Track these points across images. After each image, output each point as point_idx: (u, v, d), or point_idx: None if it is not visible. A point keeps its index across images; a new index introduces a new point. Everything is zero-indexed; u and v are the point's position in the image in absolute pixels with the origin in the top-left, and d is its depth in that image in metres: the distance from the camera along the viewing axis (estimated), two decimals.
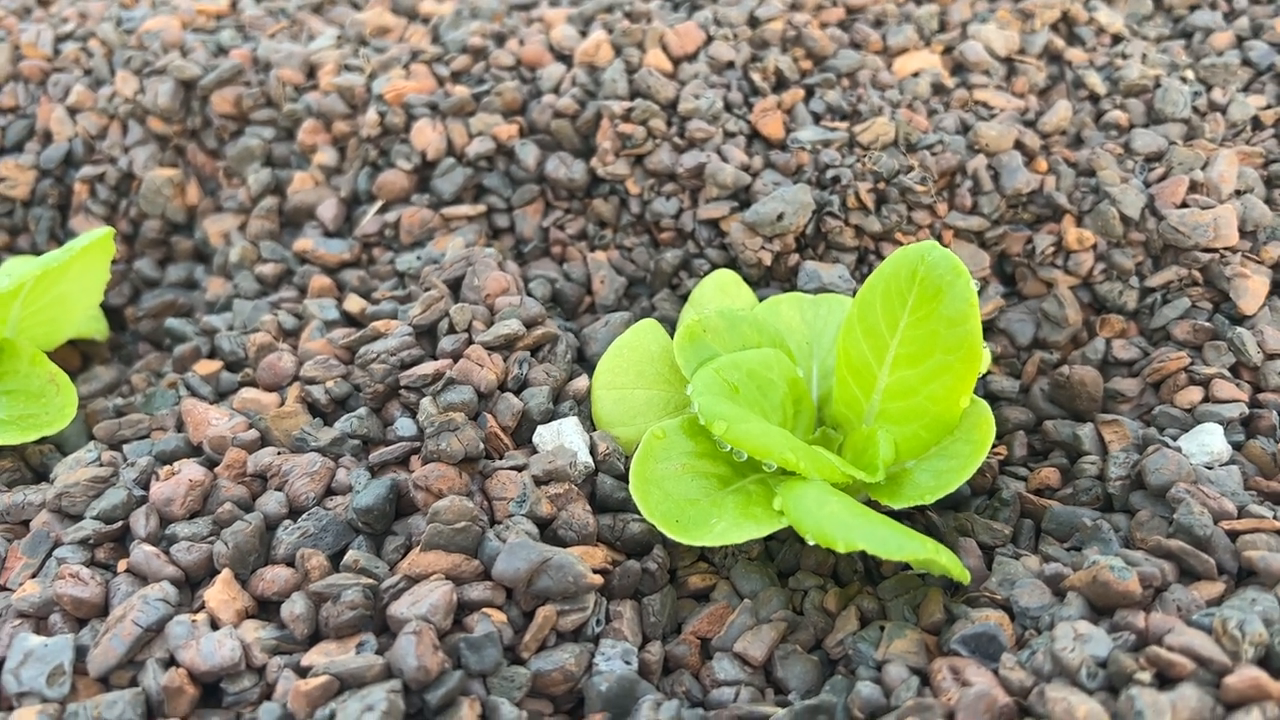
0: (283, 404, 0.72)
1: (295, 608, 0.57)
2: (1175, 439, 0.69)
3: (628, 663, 0.57)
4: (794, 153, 0.83)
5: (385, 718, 0.49)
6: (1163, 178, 0.83)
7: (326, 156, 0.90)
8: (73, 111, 0.95)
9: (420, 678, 0.52)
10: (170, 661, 0.56)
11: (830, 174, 0.82)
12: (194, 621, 0.57)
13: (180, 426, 0.72)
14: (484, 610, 0.57)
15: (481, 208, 0.86)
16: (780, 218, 0.79)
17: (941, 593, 0.62)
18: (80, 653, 0.57)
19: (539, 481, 0.64)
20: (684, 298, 0.83)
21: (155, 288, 0.92)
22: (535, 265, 0.85)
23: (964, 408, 0.65)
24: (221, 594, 0.58)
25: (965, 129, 0.87)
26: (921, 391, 0.65)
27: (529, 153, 0.86)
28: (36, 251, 0.93)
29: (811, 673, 0.59)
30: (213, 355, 0.80)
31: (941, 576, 0.63)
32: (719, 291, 0.77)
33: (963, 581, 0.59)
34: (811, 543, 0.58)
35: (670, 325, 0.79)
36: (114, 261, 0.93)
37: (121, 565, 0.61)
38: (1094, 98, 0.92)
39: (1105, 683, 0.51)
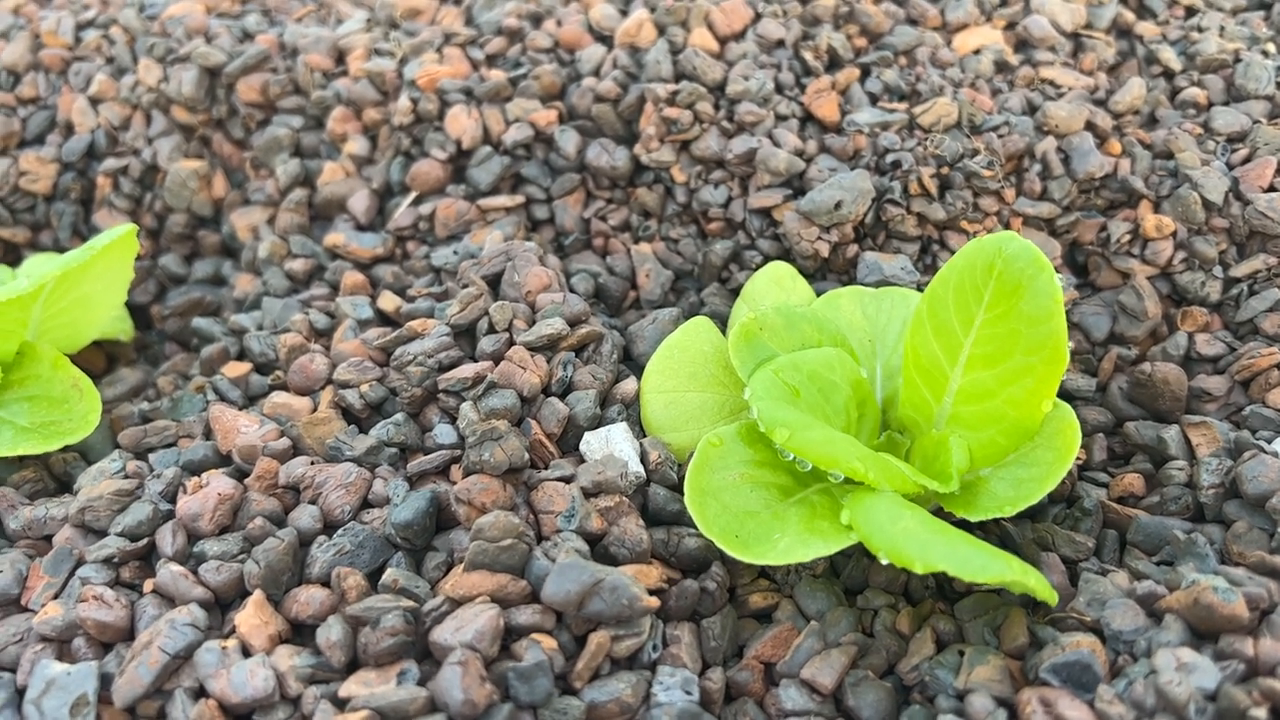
0: (315, 409, 0.68)
1: (332, 634, 0.53)
2: (1270, 442, 0.64)
3: (688, 693, 0.53)
4: (851, 136, 0.78)
5: None
6: (1247, 159, 0.77)
7: (357, 146, 0.86)
8: (95, 102, 0.91)
9: (467, 712, 0.48)
10: (200, 691, 0.53)
11: (890, 158, 0.77)
12: (224, 648, 0.53)
13: (208, 434, 0.69)
14: (533, 636, 0.53)
15: (520, 198, 0.82)
16: (838, 206, 0.74)
17: (1024, 613, 0.57)
18: (105, 681, 0.54)
19: (588, 494, 0.60)
20: (734, 292, 0.78)
21: (181, 284, 0.89)
22: (576, 259, 0.81)
23: (1046, 412, 0.60)
24: (253, 618, 0.55)
25: (1032, 109, 0.82)
26: (999, 395, 0.61)
27: (569, 140, 0.82)
28: (59, 248, 0.90)
29: (885, 701, 0.55)
30: (241, 356, 0.76)
31: (1023, 595, 0.58)
32: (774, 285, 0.73)
33: (1050, 604, 0.54)
34: (885, 562, 0.54)
35: (721, 321, 0.75)
36: (139, 257, 0.89)
37: (148, 586, 0.58)
38: (1168, 74, 0.86)
39: (1214, 718, 0.47)
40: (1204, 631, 0.52)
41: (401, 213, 0.83)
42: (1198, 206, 0.75)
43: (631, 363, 0.73)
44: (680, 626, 0.57)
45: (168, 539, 0.59)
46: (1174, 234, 0.76)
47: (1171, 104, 0.84)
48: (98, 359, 0.84)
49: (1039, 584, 0.52)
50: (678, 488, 0.63)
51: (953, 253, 0.76)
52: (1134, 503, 0.65)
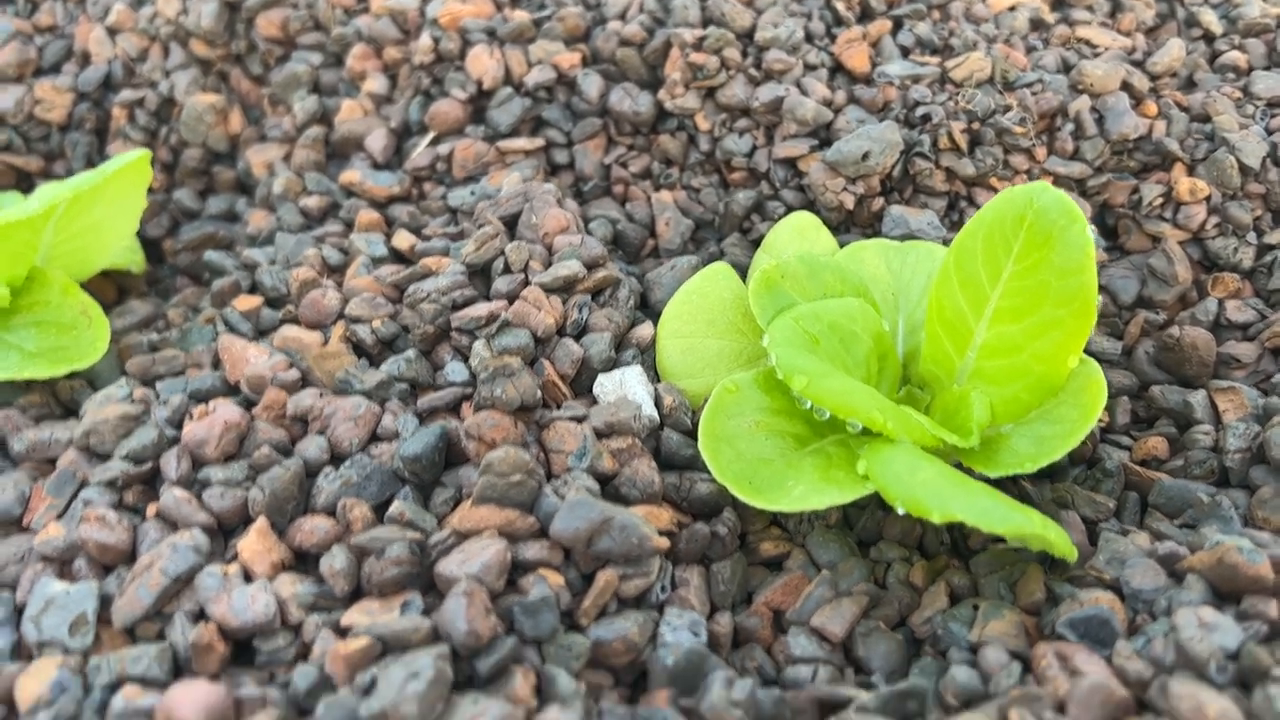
0: (326, 343, 0.67)
1: (335, 562, 0.52)
2: None
3: (696, 634, 0.52)
4: (880, 88, 0.76)
5: (432, 687, 0.45)
6: None
7: (377, 84, 0.85)
8: (112, 32, 0.90)
9: (470, 643, 0.47)
10: (200, 615, 0.52)
11: (920, 112, 0.75)
12: (226, 573, 0.52)
13: (217, 364, 0.68)
14: (540, 571, 0.52)
15: (540, 142, 0.80)
16: (865, 157, 0.73)
17: (1041, 570, 0.56)
18: (104, 602, 0.53)
19: (600, 434, 0.59)
20: (755, 243, 0.77)
21: (195, 219, 0.88)
22: (595, 205, 0.80)
23: (1072, 367, 0.59)
24: (256, 544, 0.54)
25: (1067, 68, 0.80)
26: (1025, 349, 0.59)
27: (592, 84, 0.80)
28: None
29: (895, 653, 0.54)
30: (253, 290, 0.75)
31: (1040, 552, 0.57)
32: (797, 235, 0.71)
33: (1069, 559, 0.53)
34: (901, 511, 0.53)
35: (742, 272, 0.73)
36: (152, 191, 0.88)
37: (151, 509, 0.57)
38: (1209, 37, 0.84)
39: (1236, 678, 0.46)
40: (1226, 593, 0.51)
41: (419, 153, 0.81)
42: (1234, 171, 0.73)
43: (648, 310, 0.71)
44: (689, 570, 0.56)
45: (172, 464, 0.58)
46: (1208, 198, 0.74)
47: (1210, 67, 0.82)
48: (108, 290, 0.83)
49: (1059, 538, 0.51)
50: (691, 434, 0.61)
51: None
52: (1157, 466, 0.64)
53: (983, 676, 0.49)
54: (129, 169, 0.70)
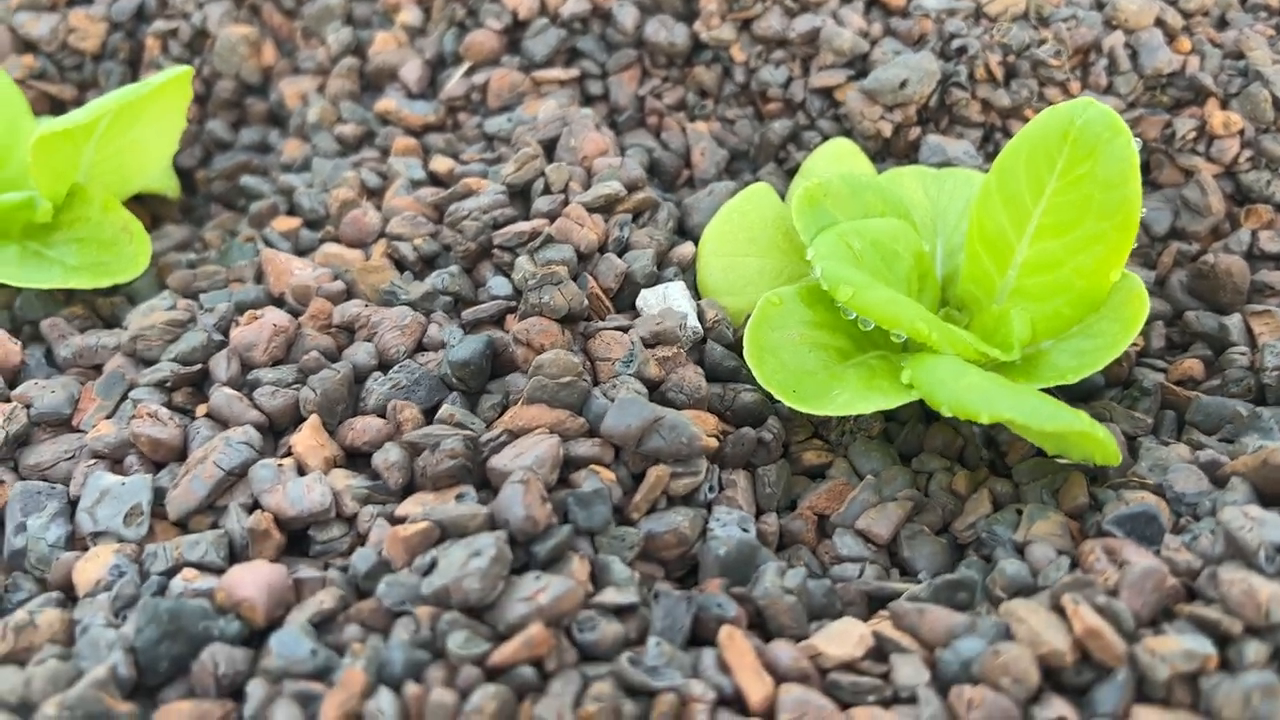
0: (368, 260, 0.68)
1: (390, 455, 0.53)
2: None
3: (745, 530, 0.52)
4: (916, 20, 0.77)
5: (494, 564, 0.45)
6: None
7: (410, 15, 0.85)
8: None
9: (528, 528, 0.48)
10: (254, 506, 0.52)
11: (956, 44, 0.76)
12: (280, 466, 0.53)
13: (260, 278, 0.68)
14: (591, 468, 0.53)
15: (574, 72, 0.80)
16: (903, 85, 0.73)
17: (1083, 477, 0.57)
18: (158, 495, 0.53)
19: (646, 343, 0.59)
20: (791, 173, 0.77)
21: (227, 150, 0.88)
22: (630, 135, 0.80)
23: (1114, 282, 0.59)
24: (310, 439, 0.54)
25: (1100, 4, 0.80)
26: (1067, 264, 0.60)
27: (627, 14, 0.80)
28: None
29: (940, 555, 0.54)
30: (291, 213, 0.76)
31: (1080, 462, 0.57)
32: (835, 162, 0.72)
33: (1113, 463, 0.53)
34: (947, 415, 0.53)
35: (780, 198, 0.74)
36: (186, 121, 0.88)
37: (200, 410, 0.58)
38: None
39: None
40: (1271, 495, 0.51)
41: (454, 83, 0.81)
42: (1267, 105, 0.74)
43: (686, 235, 0.72)
44: (736, 473, 0.56)
45: (222, 365, 0.59)
46: (1241, 132, 0.74)
47: (1243, 7, 0.82)
48: (143, 216, 0.82)
49: (1107, 438, 0.52)
50: (734, 347, 0.62)
51: None
52: (1193, 387, 0.64)
53: (1031, 569, 0.50)
54: (171, 85, 0.70)
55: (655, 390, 0.58)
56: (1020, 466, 0.58)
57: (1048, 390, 0.60)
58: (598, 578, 0.49)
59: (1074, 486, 0.56)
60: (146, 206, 0.84)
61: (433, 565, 0.47)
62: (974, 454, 0.61)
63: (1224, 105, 0.76)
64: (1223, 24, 0.81)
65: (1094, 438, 0.51)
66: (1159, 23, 0.79)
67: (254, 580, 0.47)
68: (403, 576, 0.47)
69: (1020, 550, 0.53)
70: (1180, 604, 0.46)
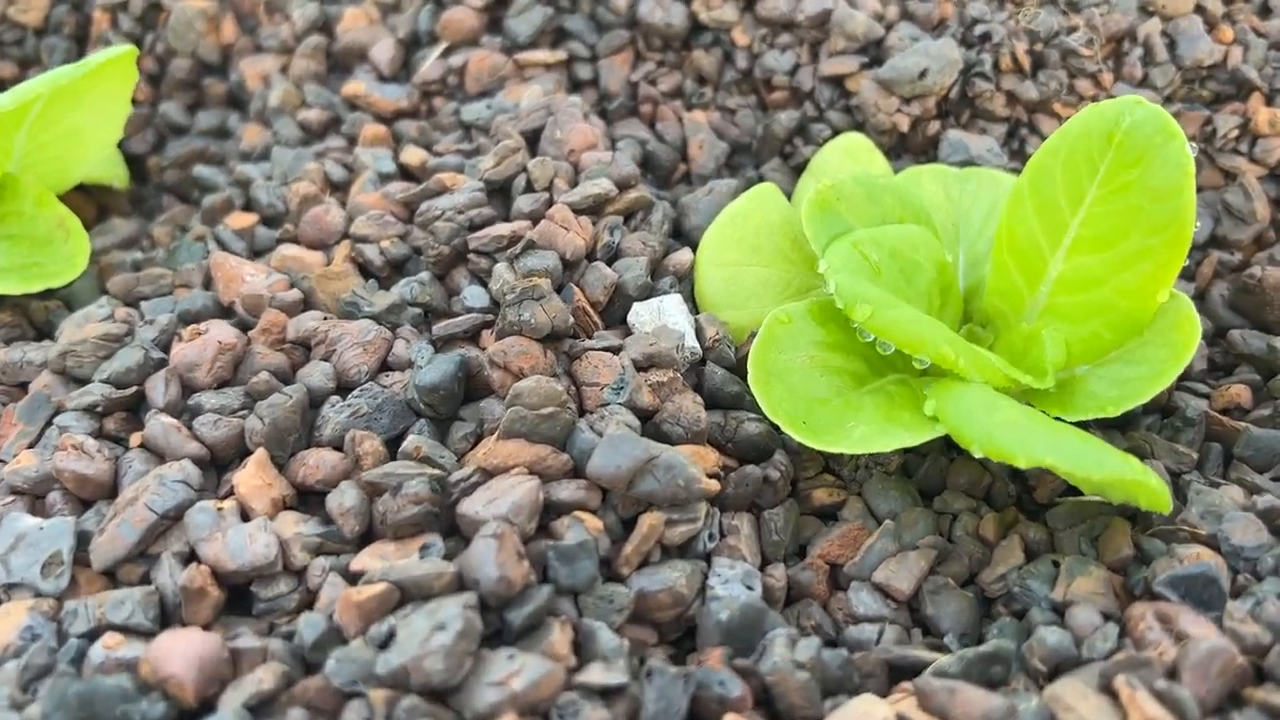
0: (329, 264, 0.61)
1: (345, 499, 0.47)
2: None
3: (749, 587, 0.46)
4: (936, 3, 0.70)
5: (460, 639, 0.39)
6: None
7: None
8: None
9: (501, 591, 0.42)
10: (190, 556, 0.46)
11: (979, 31, 0.69)
12: (220, 510, 0.46)
13: (208, 283, 0.61)
14: (575, 514, 0.46)
15: (562, 55, 0.73)
16: (923, 75, 0.66)
17: (1127, 524, 0.51)
18: (82, 540, 0.47)
19: (638, 367, 0.53)
20: (797, 170, 0.71)
21: (183, 135, 0.81)
22: (621, 125, 0.73)
23: (1161, 303, 0.53)
24: (255, 478, 0.48)
25: None
26: (1109, 282, 0.54)
27: None
28: None
29: (967, 612, 0.48)
30: (247, 208, 0.69)
31: (1122, 505, 0.51)
32: (847, 158, 0.65)
33: (1163, 511, 0.47)
34: (978, 455, 0.47)
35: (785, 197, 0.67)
36: (136, 104, 0.81)
37: (134, 439, 0.51)
38: None
39: None
40: None
41: (429, 65, 0.74)
42: None
43: (682, 238, 0.65)
44: (739, 517, 0.50)
45: (159, 388, 0.52)
46: None
47: None
48: (87, 208, 0.76)
49: (1159, 487, 0.46)
50: (736, 369, 0.56)
51: (1043, 137, 0.69)
52: (1240, 416, 0.59)
53: (1075, 639, 0.44)
54: (113, 65, 0.63)
55: (649, 421, 0.51)
56: (1056, 510, 0.52)
57: (1084, 424, 0.54)
58: (582, 647, 0.42)
59: (1117, 535, 0.50)
60: (92, 198, 0.77)
61: (391, 636, 0.40)
62: (1002, 491, 0.55)
63: (1269, 101, 0.70)
64: (1266, 11, 0.75)
65: (1146, 486, 0.45)
66: (1199, 9, 0.72)
67: (184, 652, 0.40)
68: (356, 650, 0.40)
69: (1059, 611, 0.47)
70: (1249, 688, 0.40)
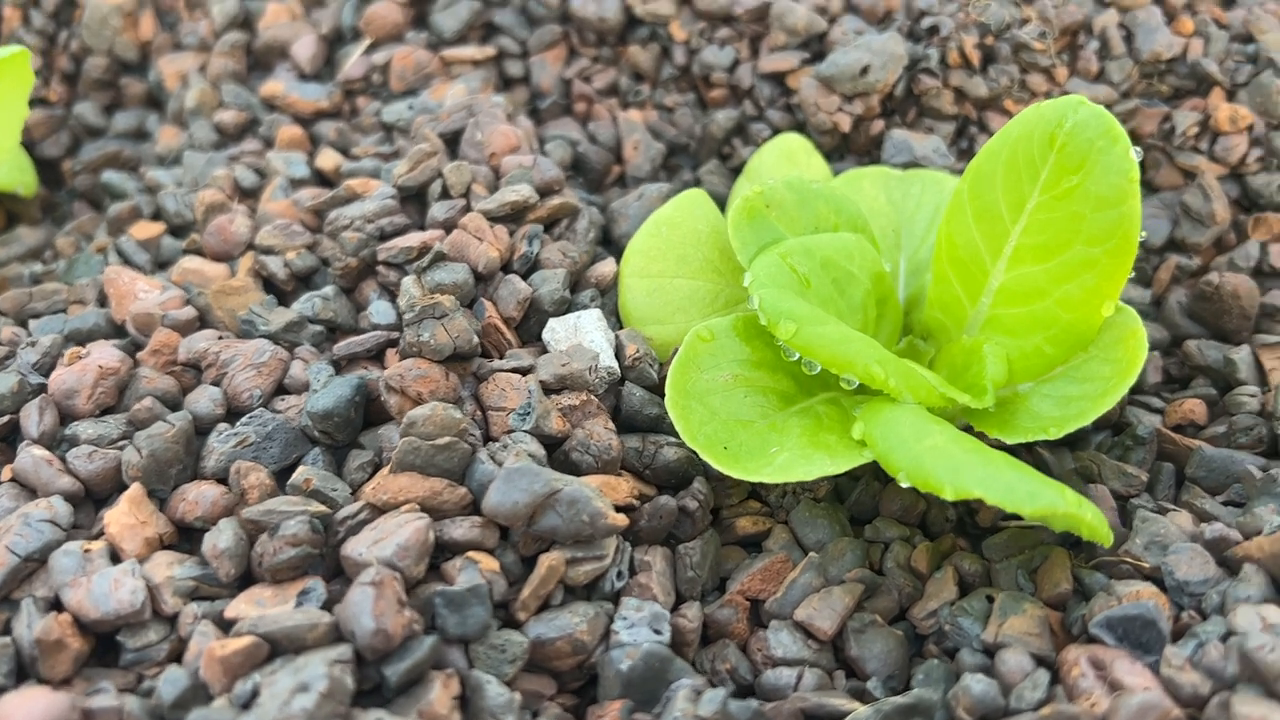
0: (232, 277, 0.57)
1: (220, 540, 0.43)
2: None
3: (657, 632, 0.43)
4: None
5: (324, 701, 0.36)
6: None
7: None
8: None
9: (378, 644, 0.38)
10: (55, 604, 0.43)
11: (926, 23, 0.66)
12: (88, 551, 0.43)
13: (103, 300, 0.58)
14: (469, 554, 0.43)
15: (491, 50, 0.70)
16: (864, 72, 0.63)
17: (1067, 554, 0.48)
18: None
19: (549, 389, 0.50)
20: (736, 171, 0.67)
21: (99, 137, 0.77)
22: (553, 125, 0.69)
23: (1106, 316, 0.50)
24: (127, 516, 0.45)
25: None
26: (1051, 294, 0.50)
27: None
28: None
29: (895, 652, 0.45)
30: (156, 217, 0.65)
31: (1063, 532, 0.48)
32: (784, 160, 0.62)
33: (1104, 544, 0.44)
34: (905, 485, 0.44)
35: (721, 203, 0.64)
36: (49, 105, 0.77)
37: (5, 473, 0.47)
38: None
39: None
40: None
41: (352, 63, 0.71)
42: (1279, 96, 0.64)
43: (611, 246, 0.62)
44: (652, 551, 0.47)
45: (34, 417, 0.48)
46: (1250, 128, 0.65)
47: None
48: None
49: (1096, 520, 0.43)
50: (657, 389, 0.52)
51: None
52: (1194, 432, 0.55)
53: (1002, 687, 0.41)
54: (4, 68, 0.59)
55: (557, 449, 0.48)
56: (992, 540, 0.49)
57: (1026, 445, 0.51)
58: (468, 702, 0.39)
59: (1055, 569, 0.47)
60: (1, 205, 0.73)
61: (254, 695, 0.37)
62: (939, 517, 0.52)
63: (1230, 96, 0.66)
64: (1228, 1, 0.72)
65: (1081, 520, 0.42)
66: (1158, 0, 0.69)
67: (27, 715, 0.37)
68: (218, 710, 0.37)
69: (990, 653, 0.44)
70: None
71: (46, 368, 0.52)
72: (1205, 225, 0.64)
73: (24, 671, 0.41)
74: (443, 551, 0.43)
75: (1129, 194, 0.48)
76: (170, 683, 0.38)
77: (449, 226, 0.56)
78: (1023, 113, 0.51)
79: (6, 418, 0.49)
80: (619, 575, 0.45)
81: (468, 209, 0.57)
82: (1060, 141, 0.49)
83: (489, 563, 0.43)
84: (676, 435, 0.49)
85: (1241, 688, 0.38)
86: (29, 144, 0.75)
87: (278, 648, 0.39)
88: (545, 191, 0.59)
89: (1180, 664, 0.39)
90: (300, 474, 0.46)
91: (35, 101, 0.77)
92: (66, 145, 0.77)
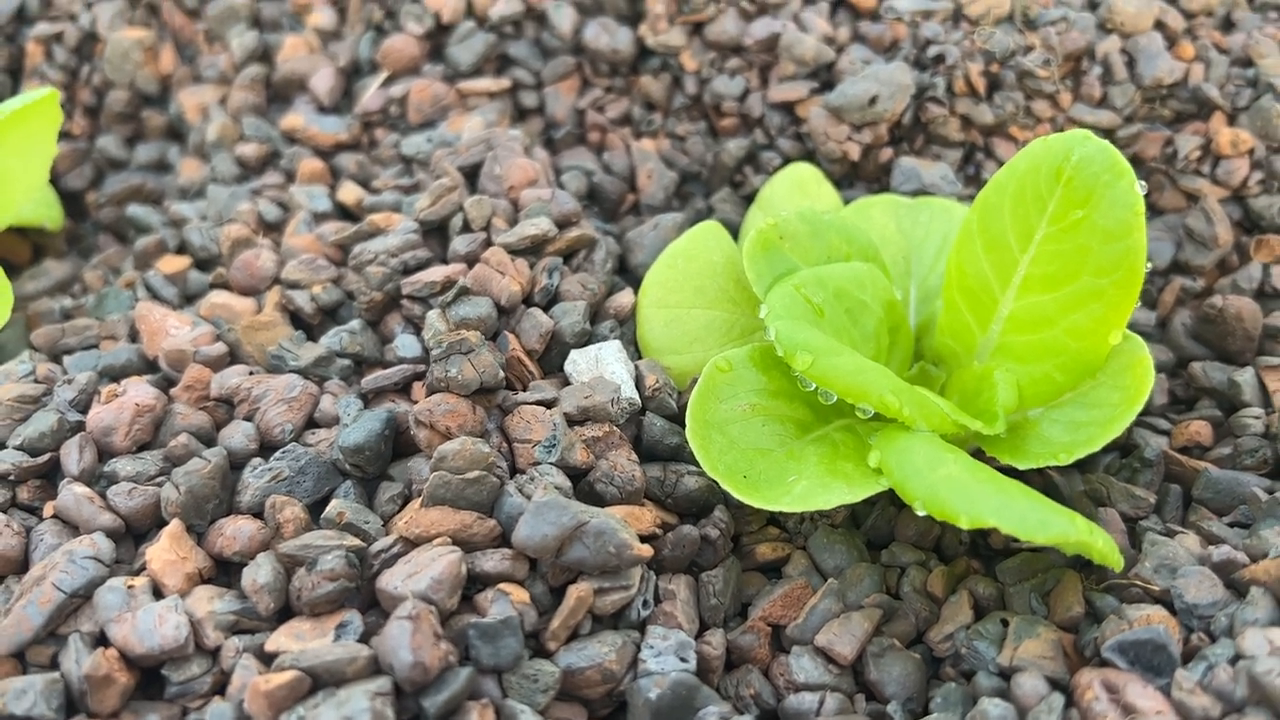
0: (259, 312, 0.59)
1: (260, 575, 0.45)
2: None
3: (683, 659, 0.44)
4: (889, 24, 0.68)
5: None
6: None
7: (323, 18, 0.76)
8: None
9: (416, 677, 0.40)
10: (100, 638, 0.44)
11: (932, 52, 0.67)
12: (131, 587, 0.45)
13: (134, 336, 0.59)
14: (500, 586, 0.44)
15: (506, 83, 0.71)
16: (873, 101, 0.64)
17: (1078, 577, 0.49)
18: None
19: (572, 421, 0.51)
20: (748, 199, 0.69)
21: (121, 170, 0.78)
22: (568, 154, 0.71)
23: (1113, 345, 0.51)
24: (168, 552, 0.46)
25: (1094, 5, 0.72)
26: (1059, 322, 0.52)
27: (564, 16, 0.71)
28: None
29: (914, 675, 0.47)
30: (181, 250, 0.67)
31: (1076, 555, 0.50)
32: (796, 190, 0.63)
33: (1115, 570, 0.46)
34: (921, 513, 0.46)
35: (733, 231, 0.65)
36: (73, 138, 0.79)
37: (48, 509, 0.49)
38: None
39: None
40: None
41: (370, 95, 0.72)
42: None
43: (628, 275, 0.63)
44: (675, 580, 0.48)
45: (73, 455, 0.50)
46: (1251, 151, 0.66)
47: (1250, 5, 0.74)
48: (21, 249, 0.74)
49: (1107, 547, 0.44)
50: (677, 418, 0.54)
51: (1000, 163, 0.67)
52: (1200, 454, 0.57)
53: (1019, 710, 0.42)
54: (33, 109, 0.61)
55: (581, 480, 0.50)
56: (1006, 564, 0.51)
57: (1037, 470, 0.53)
58: None
59: (1067, 592, 0.48)
60: (27, 237, 0.75)
61: None
62: (953, 541, 0.53)
63: (1231, 120, 0.68)
64: (1229, 25, 0.73)
65: (1092, 547, 0.44)
66: (1159, 25, 0.70)
67: None
68: None
69: (1005, 676, 0.45)
70: None
71: (84, 404, 0.53)
72: (1208, 248, 0.65)
73: (73, 706, 0.43)
74: (474, 583, 0.45)
75: (1134, 227, 0.49)
76: (216, 717, 0.40)
77: (471, 260, 0.58)
78: (1029, 146, 0.52)
79: (47, 455, 0.51)
80: (645, 604, 0.46)
81: (488, 242, 0.59)
82: (1066, 175, 0.50)
83: (519, 594, 0.44)
84: (697, 464, 0.51)
85: (1250, 711, 0.39)
86: (54, 177, 0.76)
87: (319, 681, 0.40)
88: (563, 224, 0.60)
89: (1191, 687, 0.41)
90: (333, 507, 0.48)
91: (59, 135, 0.78)
92: (90, 178, 0.78)
